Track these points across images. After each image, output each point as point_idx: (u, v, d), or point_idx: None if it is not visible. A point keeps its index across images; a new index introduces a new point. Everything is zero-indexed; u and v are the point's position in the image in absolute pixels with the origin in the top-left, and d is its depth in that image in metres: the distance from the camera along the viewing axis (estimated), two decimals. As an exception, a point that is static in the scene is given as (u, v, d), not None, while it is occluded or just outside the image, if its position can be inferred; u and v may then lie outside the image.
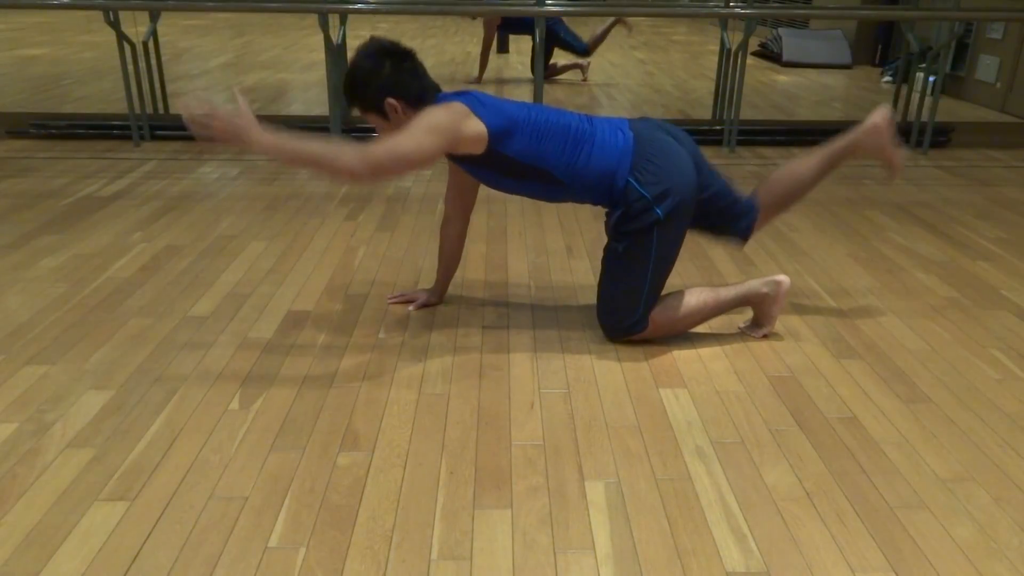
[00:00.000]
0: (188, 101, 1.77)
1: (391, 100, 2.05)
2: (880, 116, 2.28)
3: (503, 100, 2.12)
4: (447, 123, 1.96)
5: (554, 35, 6.70)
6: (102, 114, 4.87)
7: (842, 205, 3.58)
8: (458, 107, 2.00)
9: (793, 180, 2.36)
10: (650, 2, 6.61)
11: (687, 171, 2.11)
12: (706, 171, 2.22)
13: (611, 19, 6.92)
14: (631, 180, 2.08)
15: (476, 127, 2.00)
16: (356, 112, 2.09)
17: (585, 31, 10.29)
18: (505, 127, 2.04)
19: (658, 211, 2.07)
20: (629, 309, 2.19)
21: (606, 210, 2.24)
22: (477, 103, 2.05)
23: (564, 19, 6.96)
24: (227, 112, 1.77)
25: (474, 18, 6.92)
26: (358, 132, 4.58)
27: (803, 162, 2.37)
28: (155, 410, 1.90)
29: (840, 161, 2.37)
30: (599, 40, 6.90)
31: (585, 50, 6.84)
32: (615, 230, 2.14)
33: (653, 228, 2.09)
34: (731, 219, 2.31)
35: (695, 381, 2.08)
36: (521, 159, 2.07)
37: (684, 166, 2.11)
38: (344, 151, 1.83)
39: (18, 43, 8.68)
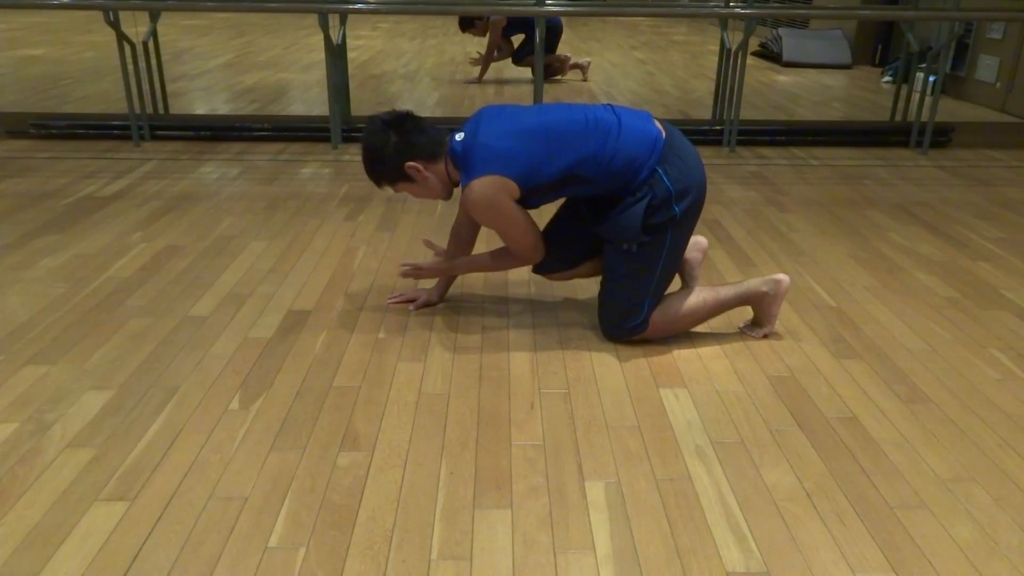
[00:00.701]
0: (406, 271, 2.36)
1: (410, 163, 2.15)
2: (783, 279, 2.24)
3: (516, 119, 2.11)
4: (501, 208, 2.10)
5: (554, 30, 6.69)
6: (102, 114, 4.87)
7: (842, 205, 3.58)
8: (486, 185, 2.06)
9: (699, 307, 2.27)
10: (650, 2, 6.61)
11: (701, 175, 2.15)
12: None
13: (573, 61, 6.93)
14: (659, 170, 2.08)
15: (509, 186, 2.08)
16: (387, 189, 2.29)
17: (585, 31, 10.26)
18: (527, 170, 2.08)
19: (676, 208, 2.09)
20: (634, 310, 2.19)
21: (592, 210, 2.24)
22: (491, 160, 2.07)
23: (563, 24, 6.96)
24: (430, 263, 2.37)
25: (484, 33, 6.82)
26: (358, 131, 4.58)
27: (702, 293, 2.27)
28: (155, 410, 1.90)
29: (734, 307, 2.29)
30: (555, 72, 6.89)
31: (558, 23, 6.80)
32: (642, 223, 2.09)
33: (668, 227, 2.10)
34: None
35: (695, 381, 2.08)
36: (553, 179, 2.11)
37: (700, 169, 2.15)
38: (512, 256, 2.27)
39: (18, 43, 8.68)
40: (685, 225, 2.14)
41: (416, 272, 2.36)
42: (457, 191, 2.36)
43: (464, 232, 2.42)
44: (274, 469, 1.70)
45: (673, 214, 2.09)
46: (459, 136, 2.16)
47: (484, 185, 2.06)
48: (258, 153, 4.33)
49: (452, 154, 2.18)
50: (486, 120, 2.13)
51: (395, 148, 2.15)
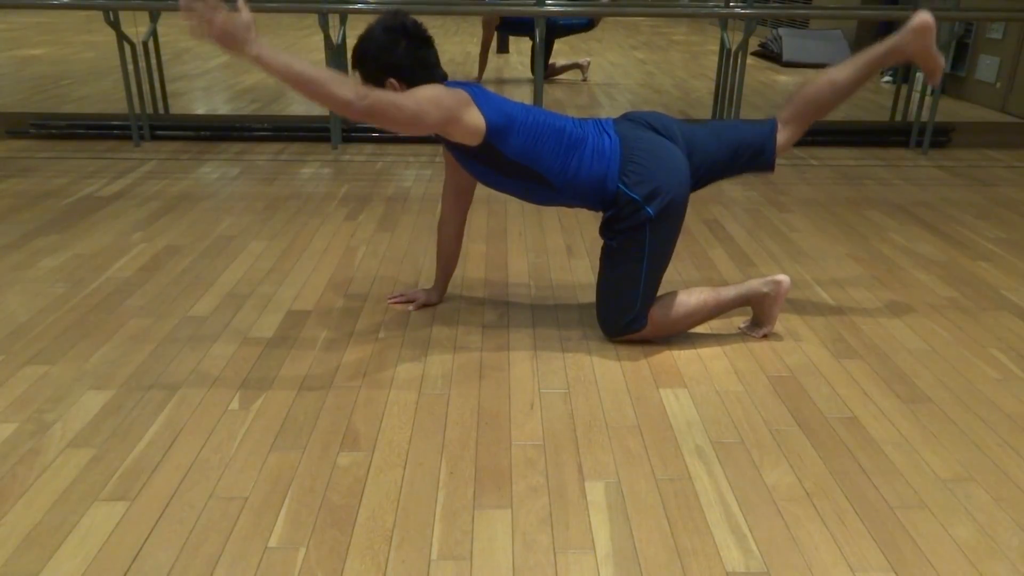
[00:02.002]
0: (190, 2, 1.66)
1: (393, 80, 2.03)
2: (924, 16, 2.19)
3: (504, 98, 2.12)
4: (449, 102, 1.95)
5: (553, 28, 6.69)
6: (102, 114, 4.87)
7: (842, 205, 3.58)
8: (462, 94, 2.00)
9: (831, 89, 2.26)
10: (650, 2, 6.59)
11: (677, 168, 2.10)
12: (703, 149, 2.20)
13: (573, 61, 6.96)
14: (620, 185, 2.09)
15: (475, 117, 2.00)
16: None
17: (585, 31, 10.25)
18: (503, 124, 2.04)
19: (648, 210, 2.08)
20: (626, 306, 2.19)
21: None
22: (481, 95, 2.05)
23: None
24: (229, 13, 1.68)
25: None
26: (357, 132, 4.58)
27: (840, 70, 2.26)
28: (155, 410, 1.90)
29: (880, 66, 2.28)
30: (557, 72, 6.91)
31: (589, 22, 6.83)
32: (607, 229, 2.16)
33: (645, 226, 2.10)
34: (747, 163, 2.25)
35: (695, 381, 2.08)
36: (515, 158, 2.07)
37: (673, 163, 2.10)
38: (344, 82, 1.79)
39: (18, 43, 8.68)
40: (666, 223, 2.11)
41: (208, 10, 1.67)
42: (434, 170, 2.33)
43: (463, 183, 2.36)
44: (274, 469, 1.70)
45: (647, 216, 2.08)
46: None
47: (465, 95, 1.98)
48: (258, 153, 4.33)
49: None
50: (478, 86, 2.13)
51: (395, 59, 2.01)
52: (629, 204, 2.08)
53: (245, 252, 2.89)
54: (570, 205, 2.20)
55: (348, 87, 1.79)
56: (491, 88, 6.42)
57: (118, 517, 1.54)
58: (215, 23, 1.67)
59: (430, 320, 2.40)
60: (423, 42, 2.04)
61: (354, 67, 2.10)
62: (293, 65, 1.74)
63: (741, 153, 2.23)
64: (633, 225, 2.09)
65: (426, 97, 1.93)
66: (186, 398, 1.96)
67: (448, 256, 2.46)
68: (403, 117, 1.88)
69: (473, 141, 2.03)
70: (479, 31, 10.54)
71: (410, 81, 2.03)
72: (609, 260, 2.19)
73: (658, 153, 2.11)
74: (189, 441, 1.79)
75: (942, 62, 2.28)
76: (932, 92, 4.49)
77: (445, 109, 1.94)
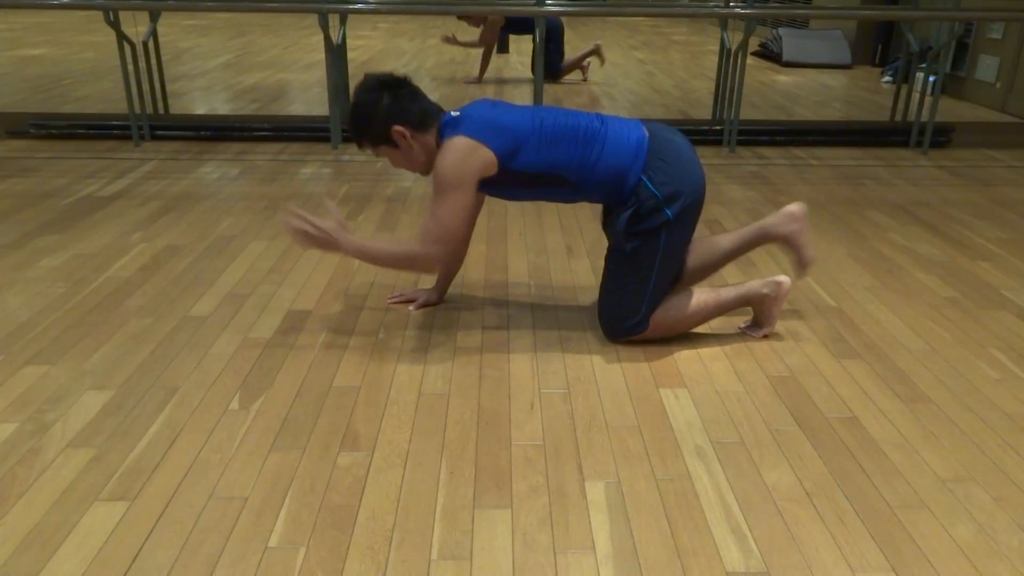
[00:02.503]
0: (289, 219, 2.06)
1: (397, 127, 2.07)
2: (797, 206, 2.31)
3: (510, 109, 2.11)
4: (463, 172, 2.02)
5: (555, 30, 6.69)
6: (102, 114, 4.87)
7: (842, 205, 3.58)
8: (462, 145, 2.02)
9: (713, 254, 2.36)
10: (650, 2, 6.60)
11: (697, 175, 2.12)
12: None
13: (590, 48, 6.96)
14: (643, 178, 2.08)
15: (486, 156, 2.03)
16: (368, 149, 2.18)
17: (584, 32, 10.27)
18: (512, 145, 2.05)
19: (668, 212, 2.08)
20: (632, 310, 2.19)
21: (605, 211, 2.25)
22: (482, 126, 2.05)
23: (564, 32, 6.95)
24: (320, 224, 2.06)
25: (479, 24, 6.83)
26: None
27: (722, 238, 2.35)
28: (155, 410, 1.90)
29: (753, 246, 2.37)
30: (572, 66, 6.90)
31: (556, 73, 6.82)
32: (626, 230, 2.12)
33: (662, 230, 2.10)
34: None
35: (695, 381, 2.08)
36: (532, 170, 2.09)
37: (694, 170, 2.12)
38: (412, 246, 2.06)
39: (18, 43, 8.68)
40: (681, 226, 2.13)
41: (303, 224, 2.05)
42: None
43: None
44: (274, 469, 1.70)
45: (665, 218, 2.09)
46: (454, 113, 2.13)
47: (465, 142, 2.02)
48: (258, 153, 4.33)
49: (442, 125, 2.11)
50: (481, 104, 2.14)
51: (386, 109, 2.06)
52: (650, 200, 2.07)
53: (245, 252, 2.89)
54: (589, 200, 2.18)
55: (417, 248, 2.06)
56: (491, 89, 6.44)
57: (118, 517, 1.54)
58: (314, 235, 2.06)
59: (430, 320, 2.40)
60: (399, 83, 2.11)
61: (360, 145, 2.16)
62: (379, 249, 2.09)
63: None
64: (651, 227, 2.09)
65: (447, 191, 2.02)
66: (186, 398, 1.96)
67: (452, 258, 2.47)
68: (457, 221, 2.04)
69: (492, 172, 2.07)
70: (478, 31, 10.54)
71: (409, 120, 2.08)
72: (619, 264, 2.17)
73: (683, 156, 2.12)
74: (189, 441, 1.79)
75: (812, 254, 2.34)
76: (932, 92, 4.49)
77: (465, 179, 2.03)
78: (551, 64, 6.76)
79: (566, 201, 2.20)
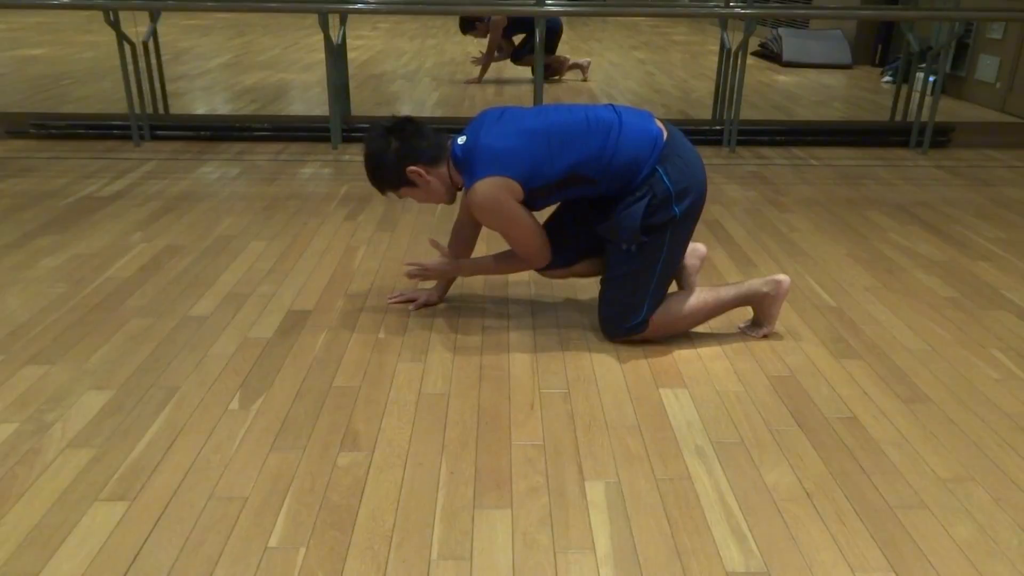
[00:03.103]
0: (409, 270, 2.38)
1: (411, 168, 2.14)
2: (783, 279, 2.24)
3: (517, 121, 2.12)
4: (505, 209, 2.10)
5: (555, 30, 6.69)
6: (102, 114, 4.87)
7: (842, 205, 3.58)
8: (489, 188, 2.07)
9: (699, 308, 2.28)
10: (650, 2, 6.60)
11: (702, 176, 2.15)
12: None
13: (572, 61, 6.96)
14: (659, 170, 2.08)
15: (513, 187, 2.09)
16: (390, 195, 2.31)
17: (585, 31, 10.27)
18: (530, 170, 2.08)
19: (676, 209, 2.09)
20: (634, 310, 2.19)
21: (605, 210, 2.24)
22: (495, 160, 2.07)
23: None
24: (433, 266, 2.35)
25: (485, 35, 6.87)
26: (358, 131, 4.58)
27: (702, 294, 2.28)
28: (155, 410, 1.90)
29: (734, 307, 2.30)
30: (555, 67, 6.91)
31: (518, 57, 6.84)
32: (641, 223, 2.09)
33: (668, 227, 2.10)
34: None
35: (695, 381, 2.08)
36: (553, 180, 2.11)
37: (701, 171, 2.15)
38: (517, 259, 2.28)
39: (18, 43, 8.68)
40: (684, 226, 2.14)
41: (422, 272, 2.35)
42: (460, 195, 2.35)
43: (466, 232, 2.42)
44: (274, 469, 1.70)
45: (672, 215, 2.09)
46: (461, 140, 2.17)
47: (488, 186, 2.07)
48: (258, 153, 4.33)
49: (454, 157, 2.18)
50: (488, 123, 2.14)
51: (396, 153, 2.15)
52: (664, 193, 2.07)
53: (245, 252, 2.89)
54: (607, 192, 2.16)
55: (517, 257, 2.27)
56: (491, 89, 6.44)
57: (118, 517, 1.54)
58: (430, 273, 2.36)
59: (430, 320, 2.40)
60: (404, 123, 2.19)
61: (381, 189, 2.23)
62: (483, 267, 2.35)
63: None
64: (659, 223, 2.09)
65: (512, 220, 2.14)
66: (186, 398, 1.96)
67: (461, 257, 2.47)
68: (533, 237, 2.19)
69: (519, 198, 2.13)
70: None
71: (420, 158, 2.16)
72: (621, 264, 2.17)
73: (694, 155, 2.16)
74: (189, 441, 1.79)
75: (769, 329, 2.32)
76: (932, 92, 4.49)
77: (518, 209, 2.13)
78: (520, 51, 6.78)
79: (590, 196, 2.20)
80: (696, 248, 2.46)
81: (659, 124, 2.16)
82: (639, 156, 2.09)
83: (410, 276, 2.35)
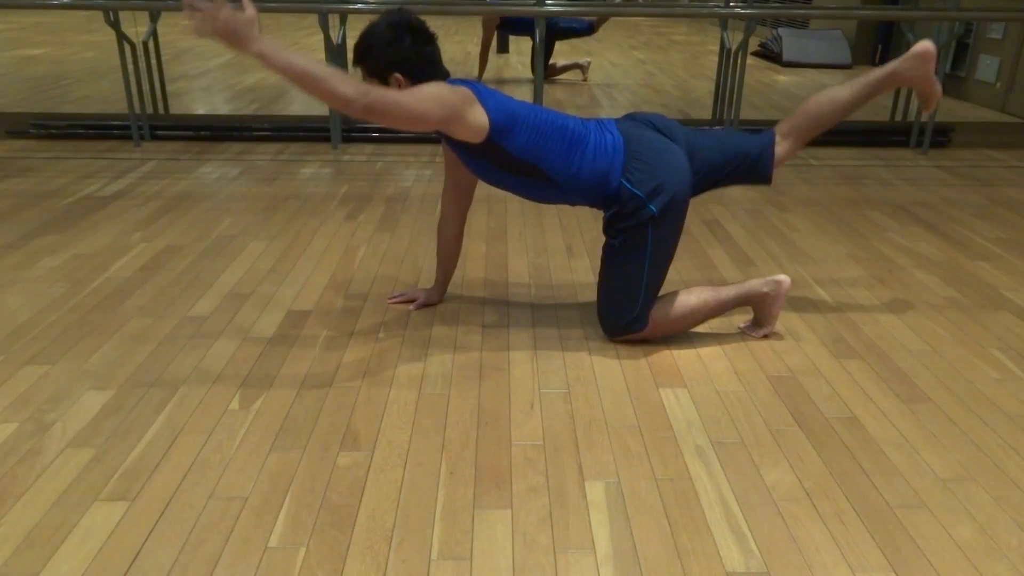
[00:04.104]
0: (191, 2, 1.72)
1: (398, 75, 2.03)
2: (927, 44, 2.23)
3: (507, 96, 2.12)
4: (453, 100, 1.95)
5: (553, 29, 6.70)
6: (102, 114, 4.87)
7: (842, 205, 3.58)
8: (465, 91, 2.00)
9: (831, 106, 2.32)
10: (650, 2, 6.60)
11: (679, 167, 2.11)
12: (702, 154, 2.21)
13: (582, 61, 6.99)
14: (623, 181, 2.09)
15: (478, 115, 2.00)
16: (357, 70, 2.10)
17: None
18: (507, 121, 2.04)
19: (652, 207, 2.08)
20: (627, 305, 2.19)
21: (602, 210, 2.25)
22: (484, 93, 2.05)
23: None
24: (233, 9, 1.71)
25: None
26: (358, 132, 4.58)
27: (842, 89, 2.32)
28: (155, 410, 1.90)
29: (880, 90, 2.32)
30: (556, 71, 6.92)
31: (589, 27, 6.86)
32: (609, 227, 2.15)
33: (647, 224, 2.10)
34: (746, 173, 2.27)
35: (695, 381, 2.08)
36: (519, 155, 2.07)
37: (676, 162, 2.12)
38: (347, 79, 1.79)
39: (18, 43, 8.68)
40: (668, 220, 2.11)
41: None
42: (434, 170, 2.32)
43: (464, 182, 2.36)
44: (274, 469, 1.70)
45: (650, 213, 2.08)
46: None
47: (466, 90, 1.99)
48: (258, 153, 4.33)
49: None
50: (483, 86, 2.13)
51: (400, 55, 2.01)
52: (632, 200, 2.08)
53: (245, 252, 2.89)
54: (573, 203, 2.20)
55: (350, 84, 1.79)
56: (491, 87, 6.44)
57: (118, 517, 1.54)
58: (219, 19, 1.69)
59: (430, 320, 2.40)
60: (428, 38, 2.06)
61: (356, 63, 2.09)
62: (296, 62, 1.75)
63: (740, 162, 2.25)
64: (636, 223, 2.09)
65: (429, 95, 1.93)
66: (186, 398, 1.96)
67: (448, 256, 2.47)
68: (405, 115, 1.88)
69: (476, 139, 2.03)
70: (479, 31, 10.55)
71: (415, 76, 2.04)
72: (611, 259, 2.19)
73: (661, 152, 2.12)
74: (189, 441, 1.79)
75: (939, 90, 2.32)
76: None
77: (448, 107, 1.94)
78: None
79: (553, 200, 2.20)
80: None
81: (617, 133, 2.14)
82: (603, 171, 2.10)
83: (189, 8, 1.72)
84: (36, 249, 2.88)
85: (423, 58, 2.04)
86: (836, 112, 2.33)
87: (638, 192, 2.07)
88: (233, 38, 1.71)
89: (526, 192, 2.18)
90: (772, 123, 5.15)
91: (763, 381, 2.09)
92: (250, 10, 1.72)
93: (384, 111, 1.85)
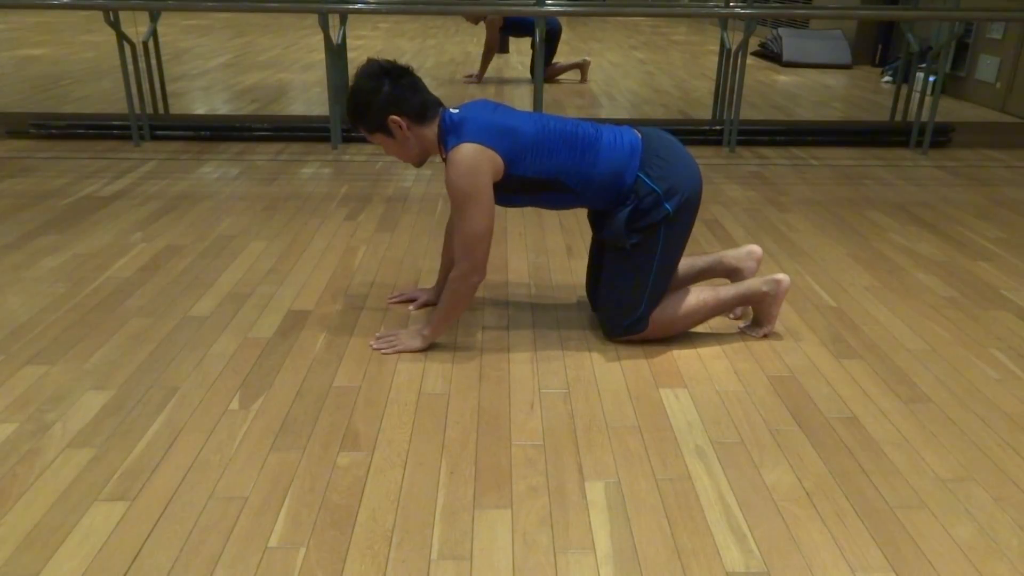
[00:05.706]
0: (379, 345, 2.21)
1: (394, 117, 2.07)
2: (783, 279, 2.24)
3: (510, 113, 2.12)
4: (478, 179, 2.02)
5: (554, 31, 6.70)
6: (102, 114, 4.87)
7: (842, 205, 3.58)
8: (470, 152, 2.02)
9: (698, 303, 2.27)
10: (650, 2, 6.61)
11: (693, 171, 2.14)
12: None
13: (575, 60, 6.97)
14: (641, 175, 2.09)
15: (494, 159, 2.04)
16: (363, 134, 2.18)
17: (585, 31, 10.27)
18: (516, 150, 2.06)
19: (667, 206, 2.08)
20: (632, 308, 2.19)
21: (595, 218, 2.25)
22: (485, 129, 2.05)
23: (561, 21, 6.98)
24: (401, 335, 2.22)
25: (476, 23, 6.99)
26: (358, 132, 4.58)
27: (702, 293, 2.27)
28: (155, 410, 1.90)
29: (734, 307, 2.29)
30: (557, 71, 6.92)
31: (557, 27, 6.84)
32: (626, 227, 2.12)
33: (661, 224, 2.10)
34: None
35: (695, 381, 2.08)
36: (533, 175, 2.09)
37: (690, 166, 2.14)
38: (461, 282, 2.11)
39: (18, 43, 8.68)
40: (680, 224, 2.13)
41: (390, 344, 2.22)
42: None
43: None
44: (274, 469, 1.70)
45: (665, 212, 2.09)
46: (454, 110, 2.13)
47: (472, 149, 2.02)
48: (258, 153, 4.33)
49: (443, 124, 2.11)
50: (482, 105, 2.14)
51: (385, 98, 2.06)
52: (650, 196, 2.08)
53: (245, 252, 2.89)
54: (590, 206, 2.18)
55: (463, 278, 2.11)
56: (491, 89, 6.44)
57: (118, 517, 1.54)
58: (397, 345, 2.21)
59: (430, 320, 2.39)
60: (402, 71, 2.10)
61: (356, 125, 2.14)
62: (448, 317, 2.19)
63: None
64: (652, 223, 2.10)
65: (469, 201, 2.03)
66: (186, 398, 1.96)
67: (452, 259, 2.47)
68: (486, 229, 2.06)
69: (499, 178, 2.08)
70: (479, 31, 10.55)
71: (407, 111, 2.08)
72: (617, 261, 2.18)
73: (678, 153, 2.14)
74: (189, 441, 1.79)
75: (769, 329, 2.32)
76: (932, 92, 4.49)
77: (483, 187, 2.03)
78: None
79: (570, 206, 2.19)
80: (752, 251, 2.38)
81: (636, 133, 2.16)
82: (620, 168, 2.10)
83: (378, 348, 2.21)
84: (36, 249, 2.88)
85: (407, 90, 2.08)
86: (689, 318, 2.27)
87: (656, 187, 2.08)
88: (409, 349, 2.21)
89: (545, 205, 2.19)
90: (772, 123, 5.15)
91: (763, 381, 2.09)
92: (412, 328, 2.27)
93: (481, 246, 2.08)
